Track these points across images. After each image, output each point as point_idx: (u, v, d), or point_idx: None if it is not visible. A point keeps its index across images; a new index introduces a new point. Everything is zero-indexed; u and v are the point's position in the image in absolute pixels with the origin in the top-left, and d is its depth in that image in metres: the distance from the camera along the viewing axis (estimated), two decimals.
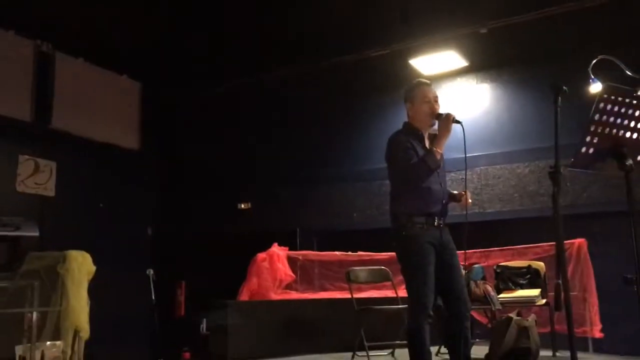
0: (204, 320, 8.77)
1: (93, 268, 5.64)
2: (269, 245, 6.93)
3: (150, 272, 9.01)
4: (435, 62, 7.77)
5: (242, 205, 9.45)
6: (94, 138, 8.69)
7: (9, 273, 3.49)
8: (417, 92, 3.54)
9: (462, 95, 8.00)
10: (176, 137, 10.02)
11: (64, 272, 5.51)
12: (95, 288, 6.09)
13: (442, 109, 3.54)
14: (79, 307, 5.47)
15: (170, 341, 8.90)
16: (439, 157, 3.33)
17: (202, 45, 8.85)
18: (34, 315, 5.51)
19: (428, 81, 3.69)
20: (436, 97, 3.53)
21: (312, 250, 7.93)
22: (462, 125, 3.37)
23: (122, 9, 8.18)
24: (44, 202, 8.08)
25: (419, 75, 8.01)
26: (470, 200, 3.57)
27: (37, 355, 6.12)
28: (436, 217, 3.36)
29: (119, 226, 8.82)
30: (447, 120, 3.35)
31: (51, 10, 7.95)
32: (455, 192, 3.64)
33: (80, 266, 5.53)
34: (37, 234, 1.78)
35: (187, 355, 8.52)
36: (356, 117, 8.55)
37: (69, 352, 5.43)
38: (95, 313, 6.03)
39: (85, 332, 5.58)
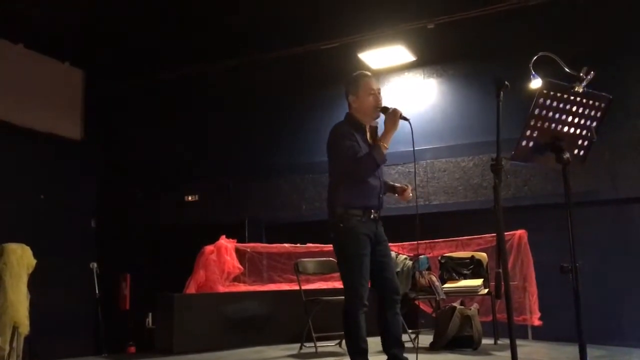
0: (150, 314, 8.66)
1: (33, 261, 5.45)
2: (217, 238, 6.87)
3: (94, 265, 8.82)
4: (383, 56, 7.86)
5: (189, 197, 9.33)
6: (34, 127, 8.40)
7: None
8: (361, 83, 3.52)
9: (410, 90, 8.13)
10: (120, 127, 9.78)
11: (2, 266, 5.30)
12: (36, 281, 5.90)
13: (390, 103, 3.55)
14: (18, 302, 5.28)
15: (114, 335, 8.75)
16: (385, 152, 3.36)
17: (146, 33, 8.63)
18: None
19: (370, 73, 3.69)
20: (379, 89, 3.55)
21: (261, 242, 7.91)
22: (409, 123, 3.39)
23: None
24: None
25: (367, 69, 8.07)
26: (410, 195, 3.62)
27: None
28: (373, 210, 3.40)
29: (62, 218, 8.56)
30: (394, 115, 3.36)
31: None
32: (397, 184, 3.69)
33: (20, 259, 5.34)
34: None
35: (132, 349, 8.39)
36: (305, 109, 8.57)
37: (7, 348, 5.26)
38: (37, 307, 5.85)
39: (24, 327, 5.39)
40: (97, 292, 8.81)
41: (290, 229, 8.29)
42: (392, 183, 3.71)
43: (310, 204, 8.37)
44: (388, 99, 3.66)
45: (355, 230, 3.33)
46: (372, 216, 3.39)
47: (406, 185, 3.66)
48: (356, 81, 3.56)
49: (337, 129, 3.47)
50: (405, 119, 3.39)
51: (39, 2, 7.78)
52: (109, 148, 9.73)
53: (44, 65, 8.78)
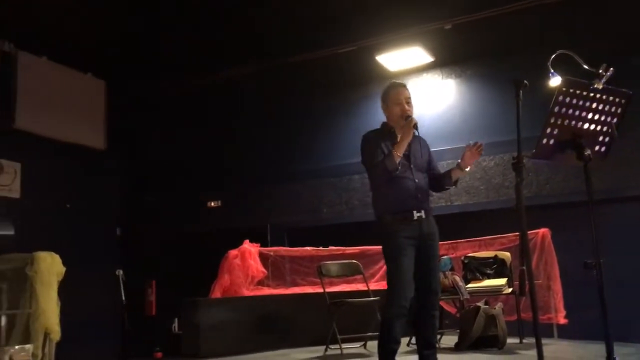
0: (175, 319, 8.76)
1: (63, 269, 5.58)
2: (240, 243, 6.94)
3: (120, 272, 8.94)
4: (401, 58, 7.88)
5: (212, 204, 9.43)
6: (59, 138, 8.55)
7: None
8: (390, 93, 3.63)
9: (428, 91, 8.13)
10: (143, 136, 9.92)
11: (33, 274, 5.44)
12: (64, 289, 6.03)
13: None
14: (49, 309, 5.42)
15: (141, 341, 8.85)
16: (397, 159, 3.39)
17: (167, 44, 8.77)
18: (3, 318, 5.43)
19: (402, 83, 3.75)
20: (408, 98, 3.60)
21: (283, 246, 7.96)
22: (417, 129, 3.46)
23: (85, 6, 8.04)
24: (9, 204, 7.92)
25: (385, 71, 8.14)
26: (476, 151, 3.46)
27: (6, 359, 6.03)
28: (414, 212, 3.42)
29: (87, 226, 8.70)
30: (409, 124, 3.44)
31: (13, 9, 7.79)
32: (459, 161, 3.54)
33: (50, 267, 5.47)
34: (11, 232, 1.77)
35: (159, 354, 8.48)
36: (324, 113, 8.61)
37: (40, 354, 5.38)
38: (65, 314, 5.97)
39: (55, 334, 5.52)
40: (123, 298, 8.92)
41: (311, 232, 8.35)
42: (452, 168, 3.60)
43: (330, 207, 8.41)
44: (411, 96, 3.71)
45: (394, 232, 3.39)
46: (414, 217, 3.41)
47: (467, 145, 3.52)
48: (386, 91, 3.68)
49: (365, 136, 3.63)
50: (415, 127, 3.45)
51: (61, 15, 7.95)
52: (132, 156, 9.87)
53: (67, 77, 8.94)
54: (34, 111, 8.31)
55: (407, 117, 3.51)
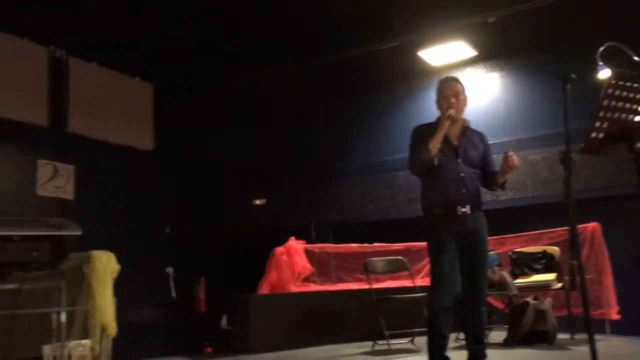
0: (224, 315, 8.94)
1: (117, 267, 5.78)
2: (285, 240, 7.04)
3: (170, 269, 9.19)
4: (443, 52, 7.84)
5: (257, 201, 9.57)
6: (109, 140, 8.82)
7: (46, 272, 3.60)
8: (440, 88, 3.64)
9: (471, 85, 8.03)
10: (190, 136, 10.13)
11: (90, 272, 5.64)
12: (118, 287, 6.24)
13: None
14: (105, 306, 5.62)
15: (191, 336, 9.05)
16: (434, 152, 3.38)
17: (211, 44, 8.93)
18: (63, 315, 5.67)
19: (454, 77, 3.74)
20: (457, 92, 3.57)
21: (327, 242, 8.02)
22: (446, 121, 3.46)
23: (132, 12, 8.26)
24: (64, 205, 8.23)
25: (428, 66, 8.10)
26: (513, 161, 3.40)
27: (65, 354, 6.30)
28: (458, 207, 3.40)
29: (138, 226, 8.94)
30: (443, 117, 3.45)
31: (63, 17, 8.07)
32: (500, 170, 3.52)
33: (105, 266, 5.67)
34: (79, 233, 1.89)
35: (209, 350, 8.67)
36: (367, 110, 8.63)
37: (98, 349, 5.59)
38: (119, 311, 6.17)
39: (112, 330, 5.72)
40: (173, 295, 9.16)
41: (356, 229, 8.38)
42: (499, 170, 3.56)
43: (376, 203, 8.42)
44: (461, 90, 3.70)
45: (435, 227, 3.41)
46: (459, 212, 3.39)
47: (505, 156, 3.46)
48: (438, 86, 3.67)
49: (413, 129, 3.65)
50: (448, 117, 3.44)
51: (109, 21, 8.19)
52: (179, 156, 10.09)
53: (116, 81, 9.22)
54: (86, 115, 8.60)
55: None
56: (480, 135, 3.65)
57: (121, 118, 9.14)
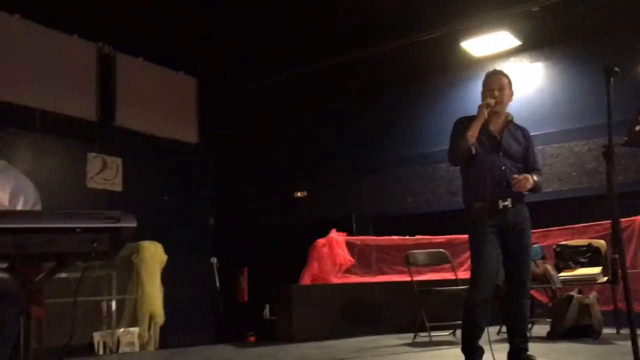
0: (267, 305, 9.10)
1: (164, 257, 6.00)
2: (325, 232, 7.10)
3: (214, 260, 9.39)
4: (486, 43, 7.75)
5: (298, 194, 9.67)
6: (155, 134, 9.06)
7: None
8: (485, 81, 3.63)
9: (515, 75, 7.89)
10: (233, 129, 10.30)
11: (139, 262, 5.88)
12: (163, 276, 6.44)
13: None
14: (154, 294, 5.86)
15: (234, 326, 9.23)
16: (471, 140, 3.38)
17: (254, 39, 9.05)
18: (114, 303, 5.92)
19: (500, 70, 3.73)
20: (501, 85, 3.56)
21: (368, 235, 8.07)
22: (487, 110, 3.44)
23: (176, 9, 8.46)
24: (113, 197, 8.51)
25: (471, 57, 8.02)
26: (524, 185, 3.36)
27: (114, 341, 6.56)
28: (499, 200, 3.39)
29: (183, 217, 9.17)
30: (481, 107, 3.44)
31: (111, 14, 8.32)
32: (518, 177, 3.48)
33: (153, 256, 5.90)
34: (135, 225, 1.98)
35: (252, 339, 8.84)
36: (409, 102, 8.60)
37: (147, 336, 5.82)
38: (165, 300, 6.38)
39: (159, 318, 5.96)
40: (217, 285, 9.36)
41: (396, 221, 8.39)
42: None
43: (416, 196, 8.41)
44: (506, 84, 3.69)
45: (476, 221, 3.40)
46: (499, 206, 3.38)
47: (517, 179, 3.41)
48: (483, 79, 3.65)
49: (455, 123, 3.62)
50: (488, 106, 3.43)
51: (155, 18, 8.40)
52: (222, 149, 10.28)
53: (161, 76, 9.46)
54: (132, 109, 8.87)
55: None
56: (524, 131, 3.63)
57: (166, 111, 9.37)
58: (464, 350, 3.37)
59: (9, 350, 2.22)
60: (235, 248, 9.71)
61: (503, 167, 3.44)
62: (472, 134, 3.39)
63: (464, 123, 3.54)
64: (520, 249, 3.45)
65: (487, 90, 3.55)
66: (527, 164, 3.58)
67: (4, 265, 2.38)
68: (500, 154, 3.46)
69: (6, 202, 2.40)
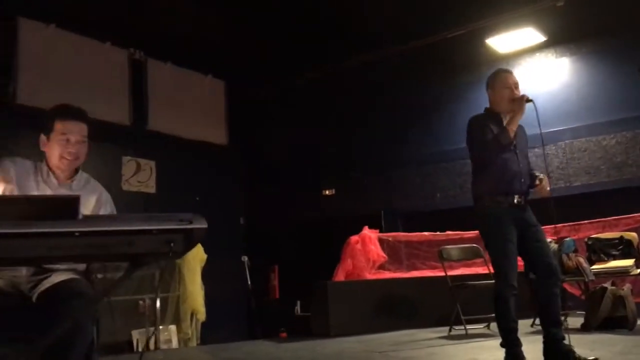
0: (298, 302, 9.27)
1: (204, 256, 6.20)
2: (354, 229, 7.23)
3: (245, 258, 9.59)
4: (512, 39, 7.81)
5: (327, 192, 9.82)
6: (186, 136, 9.26)
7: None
8: (498, 79, 3.71)
9: (541, 71, 7.99)
10: (260, 130, 10.47)
11: (181, 261, 6.07)
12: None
13: (521, 86, 3.69)
14: (195, 292, 6.06)
15: (266, 322, 9.41)
16: (511, 135, 3.50)
17: (281, 40, 9.17)
18: (157, 301, 6.12)
19: (509, 69, 3.83)
20: (516, 83, 3.67)
21: (397, 231, 8.18)
22: (534, 104, 3.53)
23: (204, 13, 8.60)
24: (147, 198, 8.74)
25: (496, 53, 8.09)
26: (548, 188, 3.65)
27: (155, 338, 6.78)
28: (516, 196, 3.51)
29: (214, 217, 9.28)
30: (520, 100, 3.53)
31: (140, 21, 8.52)
32: (536, 174, 3.71)
33: (194, 255, 6.09)
34: (206, 226, 2.13)
35: (284, 335, 9.02)
36: (435, 98, 8.69)
37: (189, 333, 6.02)
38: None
39: (201, 315, 6.17)
40: (249, 283, 9.55)
41: (425, 217, 8.50)
42: (533, 172, 3.76)
43: (444, 192, 8.50)
44: (519, 82, 3.79)
45: (498, 216, 3.48)
46: (515, 201, 3.51)
47: (541, 178, 3.67)
48: (493, 77, 3.74)
49: (472, 120, 3.69)
50: (529, 100, 3.53)
51: (183, 23, 8.57)
52: (252, 150, 10.47)
53: (190, 80, 9.65)
54: (164, 113, 9.07)
55: (514, 99, 3.59)
56: (523, 129, 3.73)
57: (196, 114, 9.57)
58: (504, 344, 3.45)
59: (84, 351, 2.38)
60: (265, 246, 9.89)
61: (520, 165, 3.57)
62: (513, 127, 3.50)
63: (484, 119, 3.63)
64: (542, 241, 3.58)
65: (504, 87, 3.64)
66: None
67: (79, 266, 2.59)
68: (517, 151, 3.58)
69: (90, 212, 2.59)
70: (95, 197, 2.72)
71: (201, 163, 9.47)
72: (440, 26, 8.13)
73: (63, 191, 2.64)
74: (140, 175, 8.79)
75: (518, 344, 3.42)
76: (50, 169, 2.62)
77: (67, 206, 2.09)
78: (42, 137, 2.63)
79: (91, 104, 8.11)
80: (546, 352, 3.43)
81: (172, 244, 2.07)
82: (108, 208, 2.76)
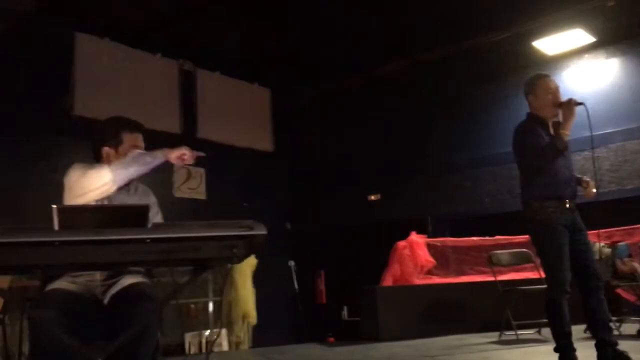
0: (344, 307, 9.33)
1: (255, 261, 6.33)
2: (400, 234, 7.25)
3: (292, 263, 9.71)
4: (559, 41, 7.71)
5: (372, 197, 9.85)
6: (234, 144, 9.46)
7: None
8: (539, 84, 3.71)
9: (590, 72, 7.85)
10: (305, 135, 10.60)
11: (232, 266, 6.17)
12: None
13: (570, 88, 3.70)
14: (246, 296, 6.20)
15: (313, 326, 9.50)
16: (566, 139, 3.51)
17: (324, 46, 9.26)
18: (210, 304, 6.30)
19: (547, 73, 3.84)
20: (557, 87, 3.68)
21: (444, 236, 8.15)
22: (585, 106, 3.53)
23: (249, 24, 8.78)
24: (197, 205, 8.97)
25: (543, 56, 8.00)
26: (594, 190, 3.71)
27: (202, 341, 6.96)
28: (567, 200, 3.53)
29: (261, 222, 9.44)
30: (570, 104, 3.53)
31: (189, 32, 8.78)
32: (583, 177, 3.77)
33: (245, 260, 6.19)
34: (265, 232, 2.24)
35: (331, 339, 9.08)
36: (482, 102, 8.64)
37: (242, 336, 6.16)
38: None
39: (252, 318, 6.30)
40: (296, 287, 9.66)
41: (473, 222, 8.43)
42: (578, 175, 3.80)
43: (492, 197, 8.43)
44: (567, 84, 3.80)
45: (551, 221, 3.50)
46: (567, 206, 3.53)
47: (587, 183, 3.73)
48: (534, 82, 3.75)
49: (521, 127, 3.71)
50: (579, 104, 3.52)
51: (229, 34, 8.78)
52: (297, 156, 10.60)
53: (237, 88, 9.87)
54: (212, 121, 9.31)
55: (560, 104, 3.59)
56: None
57: (243, 122, 9.78)
58: (558, 349, 3.45)
59: (151, 352, 2.51)
60: (311, 251, 9.99)
61: (569, 168, 3.61)
62: (567, 132, 3.52)
63: (532, 125, 3.64)
64: (588, 245, 3.60)
65: (547, 92, 3.66)
66: None
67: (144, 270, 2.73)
68: (565, 154, 3.58)
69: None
70: (148, 200, 2.92)
71: (248, 169, 9.66)
72: (487, 29, 8.09)
73: (124, 197, 2.81)
74: (190, 182, 9.04)
75: (572, 349, 3.41)
76: None
77: (137, 214, 2.23)
78: (106, 149, 2.77)
79: (143, 113, 8.41)
80: (600, 357, 3.40)
81: (234, 250, 2.18)
82: (155, 208, 2.91)
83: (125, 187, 2.84)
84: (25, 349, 5.50)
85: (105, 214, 2.25)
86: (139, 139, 2.85)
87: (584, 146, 7.38)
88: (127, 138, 2.79)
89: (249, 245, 2.25)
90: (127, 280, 2.57)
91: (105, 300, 2.55)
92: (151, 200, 3.01)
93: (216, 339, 6.18)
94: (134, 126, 2.84)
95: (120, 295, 2.51)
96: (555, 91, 3.66)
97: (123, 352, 2.27)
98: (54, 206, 2.17)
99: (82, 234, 2.00)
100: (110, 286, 2.57)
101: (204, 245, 2.18)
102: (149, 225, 2.23)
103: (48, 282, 2.61)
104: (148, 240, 2.07)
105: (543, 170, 3.56)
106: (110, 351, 2.15)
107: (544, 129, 3.63)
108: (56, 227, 2.04)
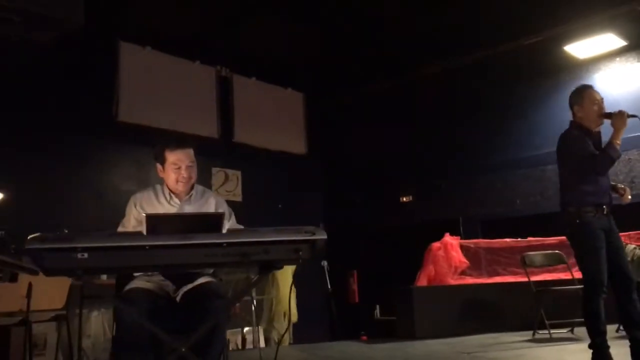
0: (377, 306, 9.53)
1: None
2: (432, 235, 7.42)
3: (325, 263, 9.93)
4: (590, 45, 7.80)
5: (404, 198, 10.03)
6: (269, 147, 9.74)
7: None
8: (586, 95, 3.89)
9: (622, 76, 7.93)
10: (338, 138, 10.82)
11: None
12: None
13: (601, 92, 3.89)
14: (287, 295, 6.45)
15: (346, 325, 9.70)
16: (618, 148, 3.69)
17: (357, 51, 9.46)
18: (254, 302, 6.56)
19: (592, 85, 4.02)
20: (602, 99, 3.87)
21: (476, 238, 8.27)
22: (639, 118, 3.72)
23: (281, 30, 9.03)
24: (235, 207, 9.17)
25: (574, 59, 8.10)
26: (629, 197, 3.93)
27: (239, 339, 7.23)
28: (605, 206, 3.74)
29: (296, 223, 9.69)
30: (622, 116, 3.70)
31: (226, 40, 9.09)
32: (618, 185, 3.97)
33: None
34: (325, 237, 2.50)
35: (364, 338, 9.29)
36: (514, 105, 8.72)
37: (283, 333, 6.41)
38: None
39: (293, 316, 6.55)
40: (329, 287, 9.89)
41: (505, 224, 8.54)
42: (613, 183, 3.98)
43: (524, 198, 8.53)
44: (598, 87, 4.00)
45: (590, 225, 3.70)
46: (604, 212, 3.74)
47: (623, 189, 3.94)
48: (580, 93, 3.93)
49: (569, 134, 3.90)
50: (633, 116, 3.71)
51: (264, 40, 9.05)
52: (330, 158, 10.84)
53: (272, 93, 10.15)
54: (248, 126, 9.60)
55: (607, 115, 3.78)
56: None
57: (277, 126, 10.05)
58: (593, 346, 3.62)
59: (221, 347, 2.77)
60: (344, 252, 10.18)
61: (607, 176, 3.81)
62: (619, 142, 3.70)
63: (579, 134, 3.83)
64: (622, 250, 3.83)
65: (593, 104, 3.84)
66: None
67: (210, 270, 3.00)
68: None
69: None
70: (213, 204, 3.21)
71: (283, 172, 9.93)
72: (518, 33, 8.21)
73: (187, 207, 3.08)
74: (228, 185, 9.34)
75: (607, 347, 3.59)
76: (170, 191, 3.03)
77: (213, 221, 2.51)
78: (158, 166, 3.03)
79: (183, 119, 8.79)
80: (634, 355, 3.57)
81: (300, 252, 2.45)
82: (224, 206, 3.25)
83: (187, 199, 3.09)
84: (84, 343, 5.85)
85: (184, 221, 2.53)
86: (180, 156, 2.98)
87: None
88: (169, 157, 2.98)
89: (313, 248, 2.51)
90: (198, 280, 2.85)
91: (178, 298, 2.83)
92: (218, 202, 3.30)
93: (285, 334, 6.47)
94: (174, 145, 3.00)
95: (193, 292, 2.78)
96: (600, 102, 3.86)
97: (195, 347, 2.53)
98: (144, 214, 2.46)
99: (169, 238, 2.28)
100: (182, 284, 2.85)
101: (273, 248, 2.45)
102: (224, 230, 2.51)
103: (124, 282, 2.91)
104: (225, 244, 2.34)
105: (590, 177, 3.76)
106: (191, 342, 2.41)
107: (589, 138, 3.82)
108: (144, 232, 2.32)
